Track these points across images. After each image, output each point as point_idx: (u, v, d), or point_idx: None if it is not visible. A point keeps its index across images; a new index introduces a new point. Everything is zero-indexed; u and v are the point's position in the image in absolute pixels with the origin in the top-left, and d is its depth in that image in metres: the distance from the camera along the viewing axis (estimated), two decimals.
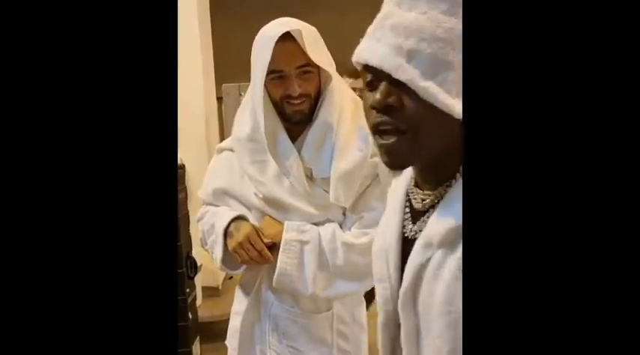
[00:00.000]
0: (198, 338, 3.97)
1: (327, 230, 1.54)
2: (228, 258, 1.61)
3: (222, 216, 1.63)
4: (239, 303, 1.76)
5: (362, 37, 0.92)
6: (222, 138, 5.34)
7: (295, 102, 1.51)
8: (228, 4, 6.26)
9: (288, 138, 1.58)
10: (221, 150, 1.79)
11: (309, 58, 1.46)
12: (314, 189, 1.58)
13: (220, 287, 5.00)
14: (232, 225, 1.60)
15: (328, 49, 1.54)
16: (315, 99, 1.53)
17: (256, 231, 1.56)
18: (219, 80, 5.43)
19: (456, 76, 0.83)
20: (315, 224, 1.57)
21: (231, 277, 5.15)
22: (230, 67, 5.68)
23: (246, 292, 1.72)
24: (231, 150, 1.70)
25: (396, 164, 0.93)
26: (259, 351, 1.68)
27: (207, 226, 1.69)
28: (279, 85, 1.50)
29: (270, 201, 1.58)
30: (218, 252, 1.62)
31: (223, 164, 1.73)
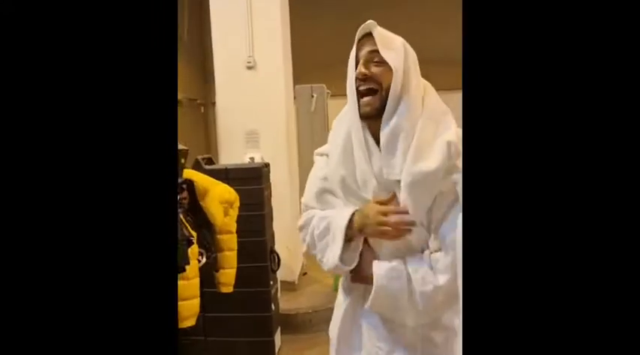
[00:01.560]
0: (279, 328, 4.12)
1: (418, 274, 1.50)
2: (346, 256, 1.57)
3: (336, 216, 1.61)
4: (343, 296, 1.74)
5: None
6: (298, 137, 5.62)
7: (363, 87, 1.50)
8: (304, 7, 6.36)
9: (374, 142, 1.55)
10: (320, 155, 1.76)
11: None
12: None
13: (296, 282, 5.19)
14: (355, 218, 1.55)
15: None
16: (387, 97, 1.49)
17: (379, 203, 1.53)
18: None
19: None
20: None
21: (305, 273, 5.45)
22: (302, 68, 6.02)
23: (351, 287, 1.69)
24: (327, 155, 1.70)
25: None
26: (357, 344, 1.67)
27: (317, 230, 1.65)
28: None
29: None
30: (337, 250, 1.56)
31: (322, 167, 1.72)
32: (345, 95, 1.57)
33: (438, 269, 1.49)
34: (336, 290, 1.86)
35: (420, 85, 1.53)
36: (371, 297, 1.53)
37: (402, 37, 1.55)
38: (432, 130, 1.48)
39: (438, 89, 1.60)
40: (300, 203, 1.81)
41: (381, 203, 1.51)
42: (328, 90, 5.62)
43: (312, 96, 5.44)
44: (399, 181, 1.48)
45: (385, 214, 1.49)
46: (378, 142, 1.53)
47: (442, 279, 1.47)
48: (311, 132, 5.43)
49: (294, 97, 5.53)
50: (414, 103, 1.48)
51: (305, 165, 4.54)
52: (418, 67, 1.54)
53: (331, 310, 1.80)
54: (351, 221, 1.55)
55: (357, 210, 1.56)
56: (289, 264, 4.88)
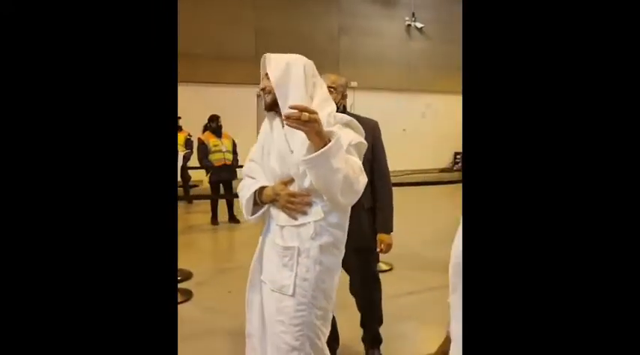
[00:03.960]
0: None
1: None
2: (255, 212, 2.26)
3: (251, 186, 2.26)
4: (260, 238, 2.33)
5: None
6: None
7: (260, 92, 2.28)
8: None
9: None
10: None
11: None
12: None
13: None
14: (267, 191, 2.21)
15: None
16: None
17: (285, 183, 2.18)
18: None
19: None
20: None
21: None
22: None
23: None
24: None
25: None
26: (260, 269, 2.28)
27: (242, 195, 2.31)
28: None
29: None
30: (249, 210, 2.25)
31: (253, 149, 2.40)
32: None
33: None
34: None
35: (300, 83, 2.15)
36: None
37: None
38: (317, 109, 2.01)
39: None
40: None
41: (285, 183, 2.14)
42: None
43: None
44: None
45: (293, 196, 2.12)
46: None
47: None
48: None
49: None
50: (296, 95, 2.12)
51: None
52: (304, 71, 2.18)
53: None
54: (260, 192, 2.22)
55: (268, 187, 2.21)
56: None
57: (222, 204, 8.31)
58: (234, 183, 8.86)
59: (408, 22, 13.29)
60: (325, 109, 2.13)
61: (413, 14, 13.27)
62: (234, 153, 8.67)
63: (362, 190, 2.05)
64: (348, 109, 3.07)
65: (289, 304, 2.11)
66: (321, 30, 12.43)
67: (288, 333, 2.12)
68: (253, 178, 2.30)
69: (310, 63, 2.28)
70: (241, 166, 9.47)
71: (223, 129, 8.37)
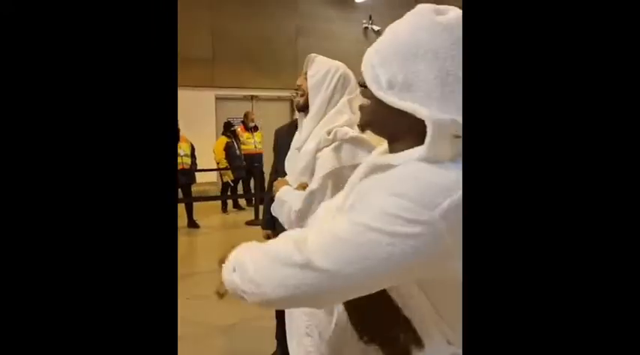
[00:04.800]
0: None
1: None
2: None
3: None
4: None
5: None
6: None
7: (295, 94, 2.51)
8: None
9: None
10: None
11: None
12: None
13: None
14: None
15: None
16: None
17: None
18: None
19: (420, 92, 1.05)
20: None
21: None
22: None
23: None
24: None
25: None
26: None
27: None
28: None
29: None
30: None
31: None
32: None
33: None
34: None
35: (328, 93, 2.28)
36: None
37: None
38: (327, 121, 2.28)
39: None
40: None
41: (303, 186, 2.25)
42: None
43: None
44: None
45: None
46: None
47: None
48: None
49: None
50: (318, 103, 2.28)
51: None
52: (337, 82, 2.30)
53: None
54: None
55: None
56: None
57: (180, 208, 8.19)
58: (193, 187, 8.77)
59: (365, 25, 13.41)
60: (328, 125, 2.25)
61: (370, 17, 13.39)
62: (193, 157, 8.58)
63: (300, 223, 2.13)
64: None
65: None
66: (279, 32, 12.40)
67: None
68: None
69: (349, 74, 2.37)
70: (200, 170, 9.37)
71: (181, 133, 8.26)
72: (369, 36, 13.27)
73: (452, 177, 1.00)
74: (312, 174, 2.23)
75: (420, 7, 1.11)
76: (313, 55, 2.36)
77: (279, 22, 12.43)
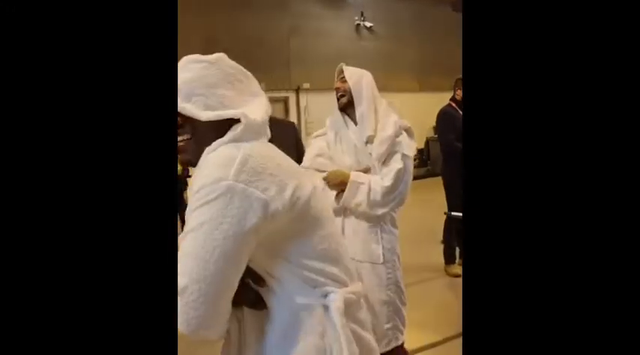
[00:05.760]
0: None
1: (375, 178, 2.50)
2: None
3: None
4: None
5: None
6: None
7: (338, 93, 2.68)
8: None
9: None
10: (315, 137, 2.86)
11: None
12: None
13: None
14: None
15: None
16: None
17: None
18: None
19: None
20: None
21: None
22: None
23: None
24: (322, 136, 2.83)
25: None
26: None
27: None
28: None
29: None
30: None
31: (319, 145, 2.78)
32: None
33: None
34: None
35: (370, 92, 2.59)
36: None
37: None
38: (383, 116, 2.61)
39: None
40: None
41: (364, 171, 2.52)
42: None
43: None
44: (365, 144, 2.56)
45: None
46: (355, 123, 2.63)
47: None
48: None
49: None
50: (367, 101, 2.58)
51: None
52: (371, 83, 2.63)
53: None
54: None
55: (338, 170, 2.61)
56: None
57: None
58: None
59: (357, 22, 13.39)
60: (390, 117, 2.59)
61: (362, 13, 13.37)
62: None
63: (385, 199, 2.45)
64: (302, 112, 3.49)
65: (382, 270, 2.49)
66: (272, 31, 12.37)
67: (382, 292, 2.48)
68: (323, 171, 2.59)
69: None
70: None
71: None
72: (362, 32, 13.26)
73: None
74: (387, 158, 2.52)
75: None
76: (342, 64, 2.65)
77: (272, 22, 12.39)
